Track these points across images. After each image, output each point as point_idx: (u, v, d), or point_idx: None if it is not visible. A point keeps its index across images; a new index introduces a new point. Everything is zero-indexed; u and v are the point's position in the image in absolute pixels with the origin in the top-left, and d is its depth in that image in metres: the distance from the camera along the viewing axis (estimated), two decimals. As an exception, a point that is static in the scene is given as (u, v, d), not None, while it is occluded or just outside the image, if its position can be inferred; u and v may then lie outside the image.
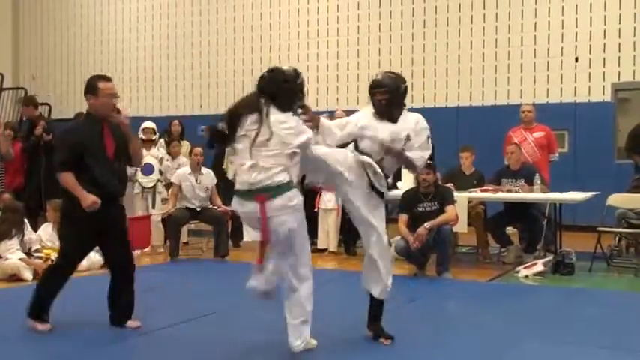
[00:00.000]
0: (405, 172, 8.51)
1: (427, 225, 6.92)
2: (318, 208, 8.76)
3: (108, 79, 4.96)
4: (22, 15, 16.63)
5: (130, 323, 4.95)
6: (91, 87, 4.86)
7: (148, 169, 9.06)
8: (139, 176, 9.05)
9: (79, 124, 5.02)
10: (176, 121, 10.10)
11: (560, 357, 4.27)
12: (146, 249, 8.83)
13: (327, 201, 8.71)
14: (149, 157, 9.10)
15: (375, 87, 4.58)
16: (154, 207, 9.05)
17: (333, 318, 4.98)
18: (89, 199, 4.69)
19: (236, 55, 14.01)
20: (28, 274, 6.92)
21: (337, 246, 8.83)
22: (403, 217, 7.23)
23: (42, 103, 14.78)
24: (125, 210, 5.30)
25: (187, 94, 14.47)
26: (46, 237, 7.53)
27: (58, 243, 7.44)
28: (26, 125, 9.93)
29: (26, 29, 16.63)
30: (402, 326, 5.08)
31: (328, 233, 8.79)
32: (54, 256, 7.25)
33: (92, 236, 4.92)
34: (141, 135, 9.19)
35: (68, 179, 4.76)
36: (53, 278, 4.96)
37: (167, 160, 9.39)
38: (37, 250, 7.37)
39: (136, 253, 8.28)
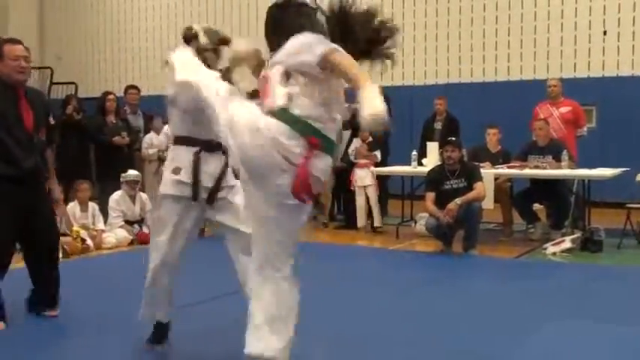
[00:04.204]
0: (429, 150, 8.51)
1: (458, 200, 6.90)
2: (354, 185, 8.73)
3: (16, 41, 4.45)
4: (47, -6, 16.72)
5: (50, 312, 4.65)
6: None
7: None
8: None
9: None
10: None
11: (588, 334, 4.26)
12: None
13: (364, 177, 8.68)
14: None
15: None
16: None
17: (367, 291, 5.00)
18: None
19: (250, 33, 13.95)
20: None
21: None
22: (430, 195, 7.21)
23: (68, 82, 14.96)
24: (45, 190, 4.72)
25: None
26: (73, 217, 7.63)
27: (85, 222, 7.63)
28: (57, 104, 10.00)
29: (51, 8, 16.70)
30: (429, 303, 5.11)
31: (370, 209, 8.72)
32: (83, 234, 7.38)
33: (12, 218, 4.33)
34: None
35: None
36: None
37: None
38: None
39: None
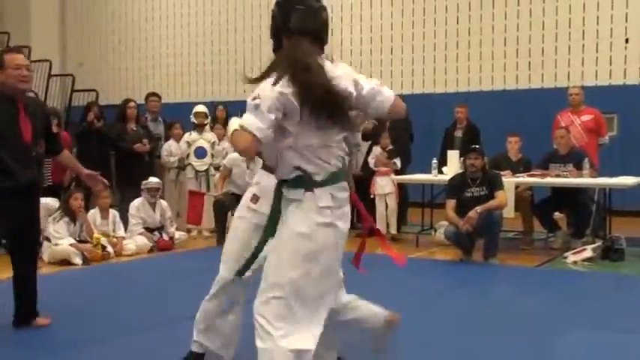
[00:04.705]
0: (450, 158, 8.48)
1: (479, 209, 6.87)
2: (374, 193, 8.70)
3: (16, 50, 4.51)
4: (69, 2, 16.86)
5: (40, 321, 4.57)
6: None
7: (200, 153, 9.18)
8: (193, 160, 9.16)
9: None
10: (221, 107, 10.15)
11: (609, 344, 4.21)
12: (198, 226, 8.97)
13: (384, 185, 8.66)
14: (201, 140, 9.24)
15: None
16: (208, 190, 9.15)
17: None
18: None
19: (269, 41, 13.95)
20: (77, 260, 7.05)
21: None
22: (451, 203, 7.18)
23: (89, 90, 15.08)
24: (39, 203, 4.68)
25: (231, 80, 14.50)
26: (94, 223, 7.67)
27: (105, 229, 7.67)
28: (78, 111, 10.08)
29: (73, 16, 16.86)
30: (449, 311, 5.09)
31: (387, 217, 8.72)
32: (103, 240, 7.42)
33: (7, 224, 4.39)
34: (193, 119, 9.28)
35: None
36: None
37: (218, 144, 9.39)
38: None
39: (182, 234, 8.43)
